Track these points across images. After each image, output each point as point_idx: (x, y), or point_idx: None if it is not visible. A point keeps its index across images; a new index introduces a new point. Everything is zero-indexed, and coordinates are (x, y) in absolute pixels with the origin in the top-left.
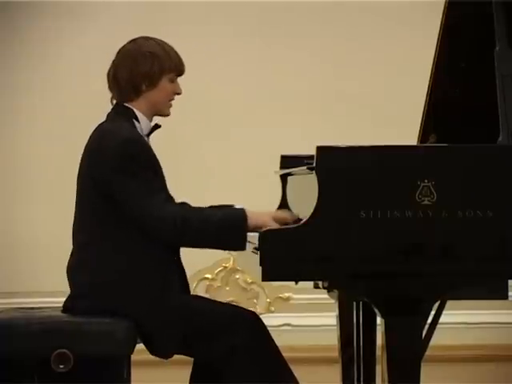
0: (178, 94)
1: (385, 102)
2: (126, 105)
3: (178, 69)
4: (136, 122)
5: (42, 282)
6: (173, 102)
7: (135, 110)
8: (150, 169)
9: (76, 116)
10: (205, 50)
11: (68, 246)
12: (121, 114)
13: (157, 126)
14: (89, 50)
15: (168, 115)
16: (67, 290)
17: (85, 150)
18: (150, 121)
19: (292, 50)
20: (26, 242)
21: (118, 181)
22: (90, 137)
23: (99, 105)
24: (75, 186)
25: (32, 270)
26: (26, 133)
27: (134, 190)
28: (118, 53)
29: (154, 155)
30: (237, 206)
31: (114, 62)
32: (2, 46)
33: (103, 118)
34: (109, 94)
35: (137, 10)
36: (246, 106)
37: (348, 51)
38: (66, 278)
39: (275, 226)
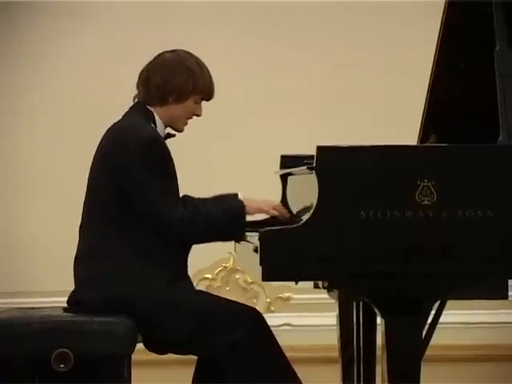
0: (198, 115)
1: (385, 102)
2: (148, 107)
3: (208, 93)
4: (153, 126)
5: (43, 282)
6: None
7: (155, 114)
8: (167, 169)
9: (76, 116)
10: (205, 50)
11: (68, 246)
12: (140, 114)
13: (170, 135)
14: (89, 49)
15: (181, 132)
16: (68, 289)
17: (100, 147)
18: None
19: (293, 49)
20: (27, 242)
21: (138, 176)
22: (106, 133)
23: (100, 105)
24: (76, 186)
25: (32, 269)
26: (26, 133)
27: (150, 187)
28: (157, 57)
29: (171, 157)
30: (239, 197)
31: (150, 63)
32: (2, 46)
33: (104, 118)
34: (108, 95)
35: (137, 10)
36: (247, 105)
37: (349, 51)
38: (67, 277)
39: (268, 210)
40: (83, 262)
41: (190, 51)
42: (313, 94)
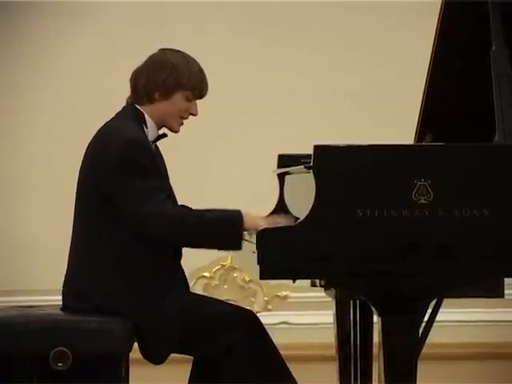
0: (193, 114)
1: (382, 102)
2: (138, 107)
3: (197, 89)
4: (144, 127)
5: (41, 281)
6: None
7: (146, 114)
8: (151, 170)
9: (76, 116)
10: (203, 50)
11: (67, 245)
12: (130, 115)
13: (163, 135)
14: (89, 49)
15: (176, 132)
16: None
17: (88, 149)
18: (158, 130)
19: (290, 49)
20: (26, 241)
21: (119, 179)
22: (95, 136)
23: (99, 104)
24: (75, 186)
25: (31, 268)
26: (26, 133)
27: (133, 188)
28: (146, 59)
29: (153, 157)
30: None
31: (141, 64)
32: (2, 46)
33: (103, 118)
34: (108, 95)
35: (136, 10)
36: (244, 105)
37: (346, 51)
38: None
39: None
40: (73, 273)
41: (188, 51)
42: (310, 94)
